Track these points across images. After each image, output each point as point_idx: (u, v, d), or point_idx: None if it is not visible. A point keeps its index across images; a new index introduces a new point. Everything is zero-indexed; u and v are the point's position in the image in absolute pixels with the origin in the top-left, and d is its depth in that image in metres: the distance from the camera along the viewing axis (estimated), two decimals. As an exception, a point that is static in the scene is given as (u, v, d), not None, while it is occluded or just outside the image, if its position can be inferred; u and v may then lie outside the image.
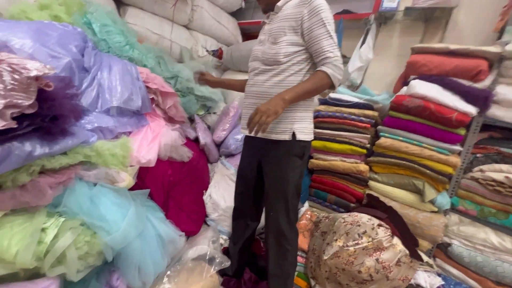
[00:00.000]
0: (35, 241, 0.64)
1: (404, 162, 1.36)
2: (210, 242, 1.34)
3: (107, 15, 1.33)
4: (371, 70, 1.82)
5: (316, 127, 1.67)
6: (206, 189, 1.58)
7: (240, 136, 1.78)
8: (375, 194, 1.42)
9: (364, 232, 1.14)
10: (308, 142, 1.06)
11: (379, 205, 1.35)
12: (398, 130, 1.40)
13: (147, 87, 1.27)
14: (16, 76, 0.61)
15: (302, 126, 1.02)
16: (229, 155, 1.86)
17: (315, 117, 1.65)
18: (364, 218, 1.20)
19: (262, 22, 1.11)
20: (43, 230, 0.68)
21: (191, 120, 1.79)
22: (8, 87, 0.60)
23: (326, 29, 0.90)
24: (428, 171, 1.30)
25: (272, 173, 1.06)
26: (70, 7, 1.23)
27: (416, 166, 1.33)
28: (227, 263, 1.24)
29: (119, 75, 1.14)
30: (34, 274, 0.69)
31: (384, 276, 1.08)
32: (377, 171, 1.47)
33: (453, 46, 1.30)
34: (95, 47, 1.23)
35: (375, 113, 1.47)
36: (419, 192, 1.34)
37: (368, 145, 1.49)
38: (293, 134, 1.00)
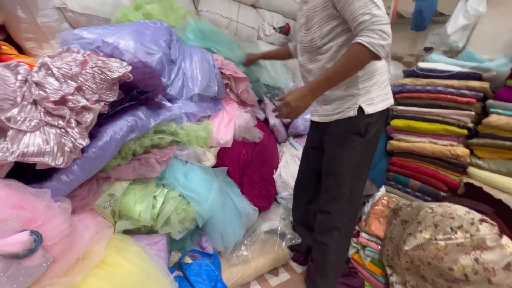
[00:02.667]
0: (150, 205, 0.82)
1: (525, 145, 1.07)
2: (281, 218, 1.41)
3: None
4: (481, 29, 1.43)
5: (398, 103, 1.47)
6: (276, 168, 1.64)
7: (308, 116, 1.73)
8: (477, 184, 1.18)
9: (460, 227, 0.98)
10: (377, 116, 0.92)
11: (483, 196, 1.13)
12: (520, 105, 1.09)
13: (222, 73, 1.36)
14: (103, 77, 0.74)
15: (368, 98, 0.90)
16: (297, 135, 1.85)
17: (398, 92, 1.44)
18: (459, 210, 1.02)
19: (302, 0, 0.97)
20: (154, 197, 0.86)
21: (260, 101, 1.83)
22: (99, 87, 0.74)
23: None
24: None
25: (327, 153, 1.01)
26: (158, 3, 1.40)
27: (545, 151, 1.03)
28: (298, 240, 1.29)
29: (198, 64, 1.25)
30: (150, 231, 0.89)
31: (485, 279, 0.92)
32: (482, 156, 1.21)
33: None
34: (178, 39, 1.37)
35: (485, 84, 1.18)
36: (547, 185, 1.04)
37: (471, 125, 1.22)
38: (360, 109, 0.90)
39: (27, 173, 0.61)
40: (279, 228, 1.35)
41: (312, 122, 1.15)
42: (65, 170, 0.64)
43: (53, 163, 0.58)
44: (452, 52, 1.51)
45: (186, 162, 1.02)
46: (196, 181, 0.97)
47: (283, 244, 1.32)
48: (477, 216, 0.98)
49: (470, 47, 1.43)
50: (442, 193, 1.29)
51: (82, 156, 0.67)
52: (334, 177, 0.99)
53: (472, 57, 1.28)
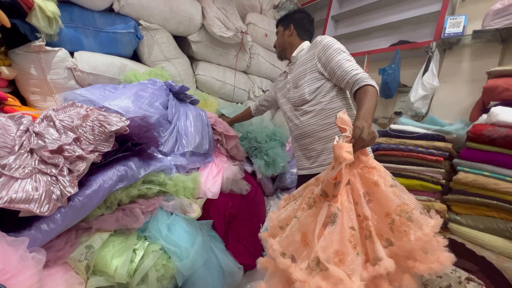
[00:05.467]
0: (129, 259, 0.77)
1: (495, 202, 1.14)
2: (267, 278, 1.32)
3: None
4: (438, 98, 1.68)
5: (377, 160, 1.58)
6: (263, 222, 1.61)
7: (295, 170, 1.80)
8: (459, 240, 1.20)
9: (449, 287, 0.96)
10: None
11: (467, 254, 1.13)
12: (481, 164, 1.21)
13: (214, 129, 1.46)
14: (101, 130, 0.80)
15: None
16: (285, 189, 1.88)
17: (375, 150, 1.56)
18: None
19: (283, 72, 1.25)
20: (134, 251, 0.82)
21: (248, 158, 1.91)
22: (96, 138, 0.80)
23: (343, 55, 0.96)
24: (532, 215, 1.05)
25: None
26: (161, 76, 1.57)
27: (513, 207, 1.09)
28: (285, 304, 1.19)
29: (193, 122, 1.36)
30: (124, 290, 0.82)
31: None
32: (459, 211, 1.26)
33: (544, 66, 1.12)
34: (173, 97, 1.49)
35: (448, 145, 1.32)
36: (523, 241, 1.07)
37: (443, 181, 1.32)
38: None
39: (8, 219, 0.60)
40: (265, 290, 1.25)
41: (301, 176, 1.18)
42: (47, 218, 0.63)
43: (38, 211, 0.58)
44: (418, 117, 1.72)
45: (171, 213, 1.01)
46: (179, 233, 0.94)
47: (270, 309, 1.20)
48: (464, 274, 0.98)
49: (432, 113, 1.64)
50: (429, 250, 1.28)
51: (67, 205, 0.67)
52: None
53: (435, 122, 1.46)
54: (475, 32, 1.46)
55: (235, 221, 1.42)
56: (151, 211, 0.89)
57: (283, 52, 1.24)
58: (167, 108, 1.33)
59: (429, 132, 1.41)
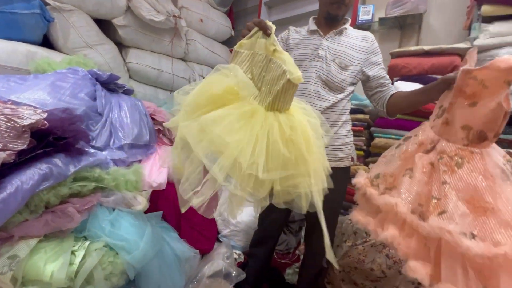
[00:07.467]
0: (66, 262, 0.71)
1: (401, 159, 1.42)
2: (224, 257, 1.38)
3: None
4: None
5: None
6: (215, 207, 1.64)
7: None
8: (379, 193, 1.46)
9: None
10: None
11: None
12: (391, 129, 1.47)
13: (153, 119, 1.40)
14: (10, 125, 0.70)
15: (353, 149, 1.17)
16: (235, 173, 1.94)
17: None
18: (369, 216, 1.23)
19: (315, 31, 1.06)
20: (72, 253, 0.75)
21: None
22: (5, 135, 0.68)
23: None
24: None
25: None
26: (85, 65, 1.38)
27: (413, 161, 1.38)
28: (243, 276, 1.27)
29: (129, 113, 1.26)
30: (66, 296, 0.75)
31: (396, 271, 1.10)
32: (377, 170, 1.53)
33: (427, 47, 1.41)
34: (102, 87, 1.35)
35: (366, 116, 1.56)
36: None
37: (365, 147, 1.56)
38: (352, 159, 1.13)
39: None
40: (223, 268, 1.31)
41: None
42: None
43: None
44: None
45: (114, 209, 0.95)
46: (125, 228, 0.90)
47: (230, 285, 1.27)
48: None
49: (354, 91, 1.89)
50: (354, 205, 1.52)
51: (-26, 214, 0.57)
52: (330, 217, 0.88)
53: (356, 97, 1.69)
54: (380, 19, 1.72)
55: (187, 210, 1.41)
56: (88, 209, 0.82)
57: (344, 10, 1.02)
58: (95, 99, 1.20)
59: (352, 106, 1.63)
